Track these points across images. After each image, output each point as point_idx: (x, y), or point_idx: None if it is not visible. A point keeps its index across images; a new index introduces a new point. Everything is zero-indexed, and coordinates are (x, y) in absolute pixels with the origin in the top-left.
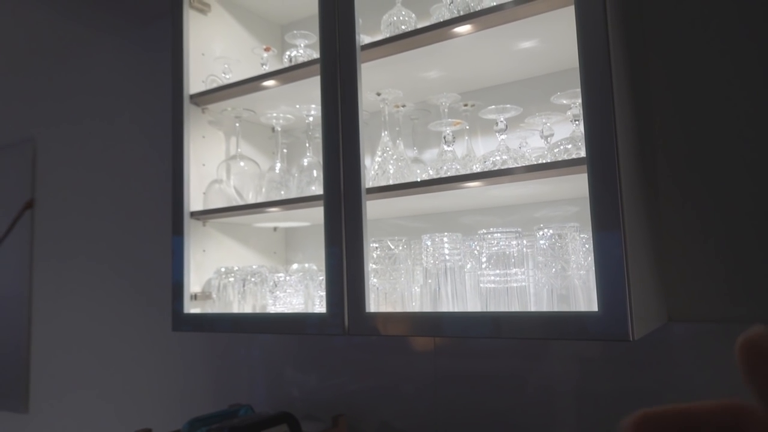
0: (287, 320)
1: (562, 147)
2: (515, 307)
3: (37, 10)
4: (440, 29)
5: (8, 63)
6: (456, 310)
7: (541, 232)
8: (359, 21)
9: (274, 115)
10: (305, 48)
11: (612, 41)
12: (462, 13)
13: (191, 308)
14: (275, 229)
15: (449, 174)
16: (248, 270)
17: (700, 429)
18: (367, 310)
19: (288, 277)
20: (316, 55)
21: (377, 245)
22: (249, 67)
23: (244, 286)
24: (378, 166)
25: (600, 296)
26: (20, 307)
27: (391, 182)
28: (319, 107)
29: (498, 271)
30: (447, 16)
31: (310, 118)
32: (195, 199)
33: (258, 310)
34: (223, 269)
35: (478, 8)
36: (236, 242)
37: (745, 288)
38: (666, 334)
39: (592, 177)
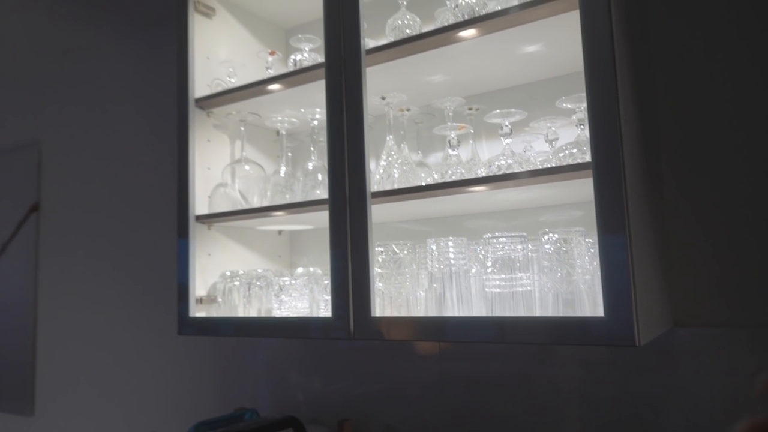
0: (292, 324)
1: (567, 151)
2: (521, 311)
3: (43, 15)
4: (445, 33)
5: (14, 67)
6: (461, 314)
7: (546, 237)
8: (364, 25)
9: (279, 118)
10: (310, 52)
11: (617, 45)
12: (467, 18)
13: (196, 312)
14: (280, 232)
15: (454, 178)
16: (253, 274)
17: None
18: (372, 315)
19: (293, 281)
20: (321, 59)
21: (382, 249)
22: (254, 70)
23: (249, 290)
24: (383, 170)
25: (606, 301)
26: (26, 310)
27: (396, 186)
28: (324, 111)
29: (503, 276)
30: (452, 20)
31: (315, 122)
32: (200, 202)
33: (263, 314)
34: (228, 273)
35: (483, 12)
36: (241, 246)
37: (751, 293)
38: (671, 339)
39: (598, 181)
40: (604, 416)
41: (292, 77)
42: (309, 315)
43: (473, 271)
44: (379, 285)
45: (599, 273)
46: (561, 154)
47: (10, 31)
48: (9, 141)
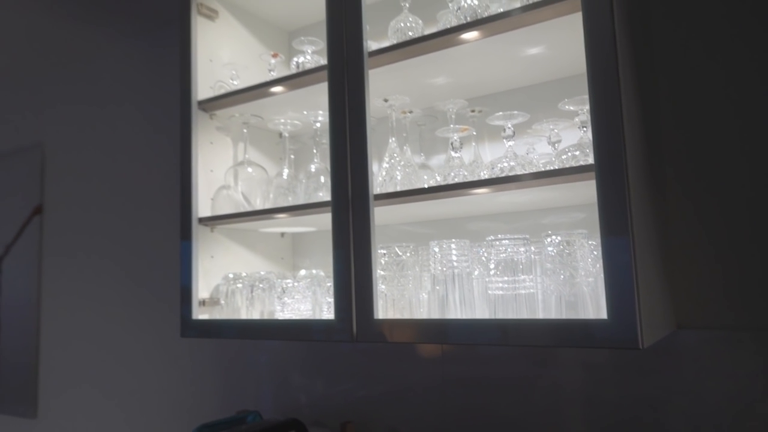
0: (295, 327)
1: (569, 153)
2: (523, 314)
3: (46, 17)
4: (447, 36)
5: (17, 69)
6: (464, 317)
7: (549, 239)
8: (366, 27)
9: (282, 121)
10: (313, 54)
11: (619, 47)
12: (469, 20)
13: (199, 314)
14: (283, 235)
15: (457, 180)
16: (256, 276)
17: None
18: (375, 317)
19: (296, 284)
20: (323, 61)
21: (385, 251)
22: (257, 73)
23: (252, 292)
24: (385, 172)
25: (609, 303)
26: (29, 312)
27: (398, 188)
28: (327, 113)
29: (506, 278)
30: (454, 23)
31: (318, 124)
32: (203, 205)
33: (266, 317)
34: (231, 275)
35: (485, 15)
36: (244, 248)
37: (754, 295)
38: (674, 341)
39: (600, 183)
40: (607, 419)
41: (295, 79)
42: (312, 317)
43: (476, 273)
44: (381, 287)
45: (602, 275)
46: (564, 156)
47: (13, 33)
48: (12, 143)
